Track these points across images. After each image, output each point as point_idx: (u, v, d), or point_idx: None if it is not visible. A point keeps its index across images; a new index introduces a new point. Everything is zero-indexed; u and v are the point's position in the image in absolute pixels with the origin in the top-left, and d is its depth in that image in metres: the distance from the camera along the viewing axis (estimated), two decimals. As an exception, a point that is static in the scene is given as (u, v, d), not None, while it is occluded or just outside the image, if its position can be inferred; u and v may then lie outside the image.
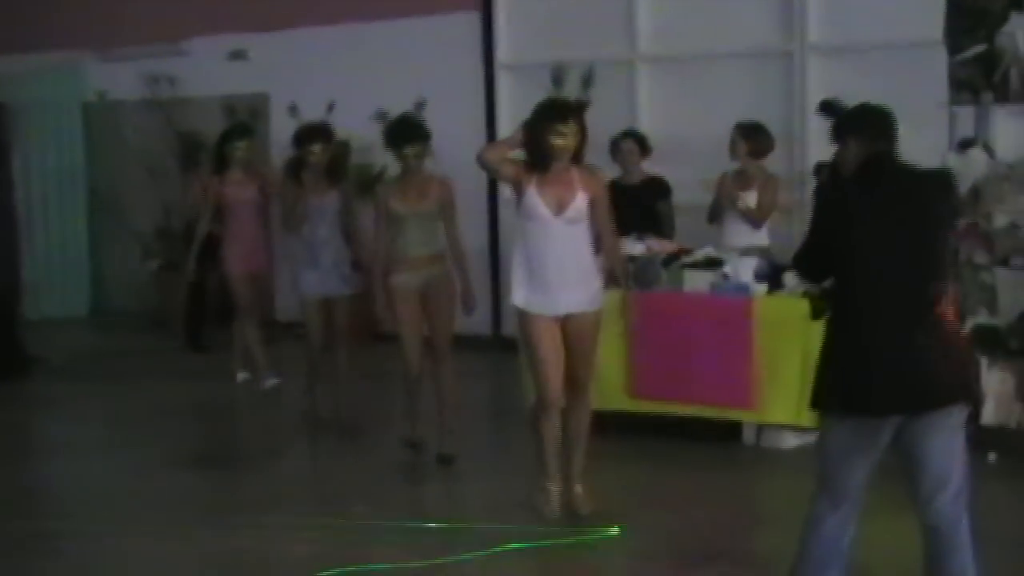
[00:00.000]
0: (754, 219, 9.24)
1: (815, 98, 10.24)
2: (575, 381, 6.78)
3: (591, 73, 8.32)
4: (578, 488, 6.86)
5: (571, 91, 7.17)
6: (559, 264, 6.65)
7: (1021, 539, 6.80)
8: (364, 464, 8.25)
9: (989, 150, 8.11)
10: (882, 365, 4.80)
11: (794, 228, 9.98)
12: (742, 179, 9.30)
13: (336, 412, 9.00)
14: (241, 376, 10.75)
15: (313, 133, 8.83)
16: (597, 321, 6.78)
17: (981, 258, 8.15)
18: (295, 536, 6.99)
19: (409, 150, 7.78)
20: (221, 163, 10.52)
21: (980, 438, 7.93)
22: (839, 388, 5.04)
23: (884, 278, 4.78)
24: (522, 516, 6.77)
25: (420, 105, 8.32)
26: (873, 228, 4.80)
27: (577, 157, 6.75)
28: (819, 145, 10.25)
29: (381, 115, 8.59)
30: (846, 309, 4.97)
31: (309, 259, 8.95)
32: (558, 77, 7.15)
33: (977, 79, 8.01)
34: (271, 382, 10.33)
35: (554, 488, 6.85)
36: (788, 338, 7.97)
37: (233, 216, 10.41)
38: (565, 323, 6.70)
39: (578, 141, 6.69)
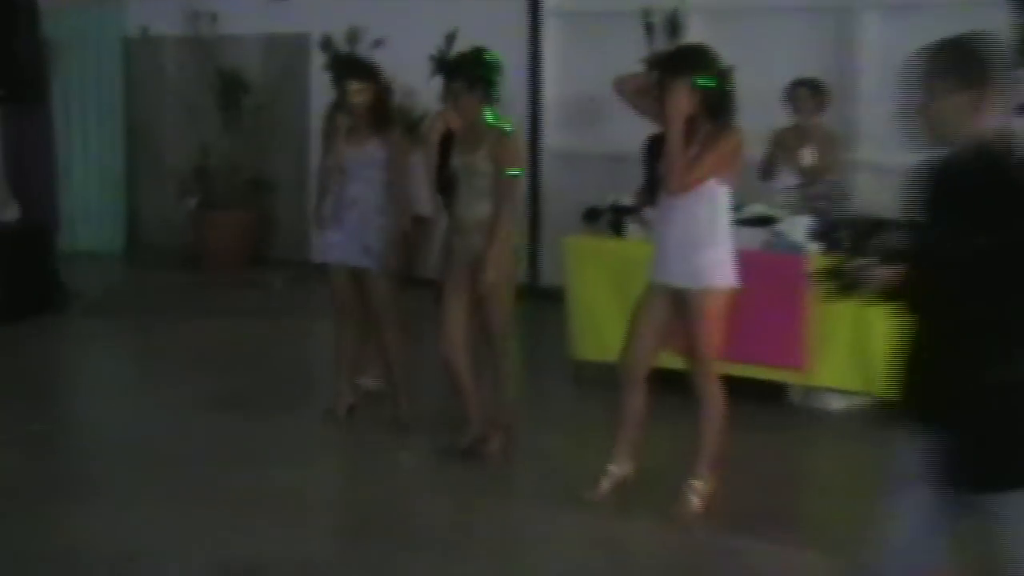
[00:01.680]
0: (813, 176, 9.20)
1: (872, 56, 10.35)
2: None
3: (677, 19, 7.69)
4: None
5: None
6: None
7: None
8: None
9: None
10: None
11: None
12: (800, 135, 9.24)
13: (396, 407, 7.85)
14: None
15: (351, 66, 7.90)
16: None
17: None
18: (319, 475, 7.14)
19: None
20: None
21: None
22: None
23: None
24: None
25: (451, 37, 7.50)
26: None
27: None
28: (871, 103, 10.31)
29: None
30: None
31: (333, 218, 7.75)
32: (649, 24, 6.66)
33: (1041, 41, 7.93)
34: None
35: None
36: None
37: None
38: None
39: None
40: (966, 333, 3.61)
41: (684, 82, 5.98)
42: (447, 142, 7.26)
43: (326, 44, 7.96)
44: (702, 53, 6.17)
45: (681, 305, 6.17)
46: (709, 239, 6.09)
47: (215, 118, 13.90)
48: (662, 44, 6.57)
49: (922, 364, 3.75)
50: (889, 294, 3.95)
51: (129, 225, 15.28)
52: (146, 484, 6.83)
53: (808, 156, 9.20)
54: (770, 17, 10.37)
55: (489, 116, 6.97)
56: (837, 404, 8.26)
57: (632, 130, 10.36)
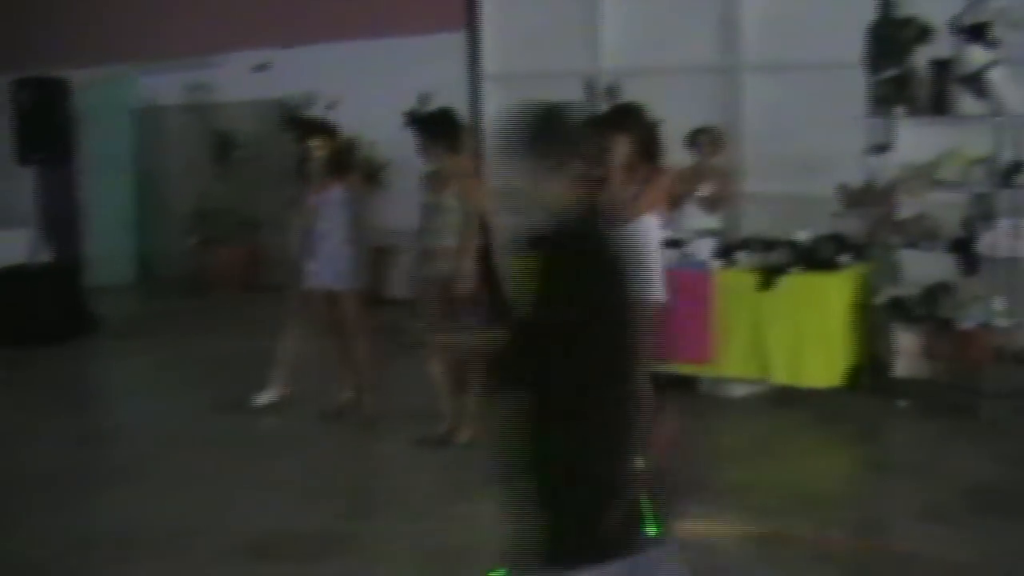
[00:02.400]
0: (712, 206, 9.28)
1: (753, 107, 10.48)
2: None
3: (615, 84, 7.63)
4: None
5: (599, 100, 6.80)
6: None
7: (925, 466, 6.96)
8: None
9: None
10: None
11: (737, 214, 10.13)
12: (700, 173, 9.32)
13: (359, 404, 7.88)
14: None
15: (311, 127, 7.92)
16: None
17: (894, 242, 8.27)
18: (320, 463, 7.11)
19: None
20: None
21: (892, 388, 8.11)
22: None
23: None
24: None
25: (424, 98, 7.54)
26: None
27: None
28: (755, 145, 10.44)
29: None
30: None
31: (308, 251, 7.78)
32: (590, 87, 6.74)
33: (891, 95, 8.07)
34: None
35: None
36: (740, 305, 8.05)
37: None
38: None
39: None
40: (533, 406, 3.09)
41: (621, 135, 6.07)
42: None
43: (283, 107, 7.93)
44: (635, 110, 6.25)
45: None
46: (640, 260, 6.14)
47: (211, 169, 13.87)
48: (600, 103, 6.63)
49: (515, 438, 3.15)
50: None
51: (140, 261, 15.19)
52: (181, 473, 6.87)
53: (707, 189, 9.28)
54: (667, 77, 10.45)
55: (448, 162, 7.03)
56: (739, 391, 8.36)
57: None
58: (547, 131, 3.13)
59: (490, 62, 12.07)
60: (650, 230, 6.18)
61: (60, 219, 11.98)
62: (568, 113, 3.20)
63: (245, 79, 13.44)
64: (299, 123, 7.93)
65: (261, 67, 13.45)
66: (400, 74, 12.11)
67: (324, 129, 7.80)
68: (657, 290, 6.18)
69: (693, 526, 5.72)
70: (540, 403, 3.08)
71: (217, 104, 13.77)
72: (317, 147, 7.63)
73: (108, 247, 14.57)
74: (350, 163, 8.04)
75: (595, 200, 3.23)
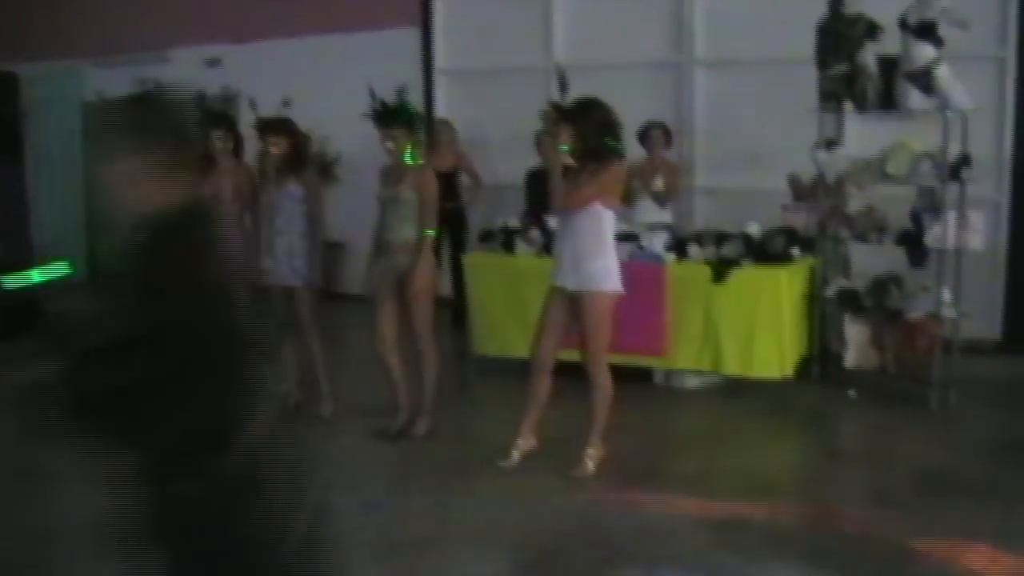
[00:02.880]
0: (663, 199, 9.41)
1: (700, 104, 10.61)
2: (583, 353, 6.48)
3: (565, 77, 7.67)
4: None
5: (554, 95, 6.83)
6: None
7: (875, 452, 7.19)
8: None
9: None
10: None
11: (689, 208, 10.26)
12: (651, 167, 9.44)
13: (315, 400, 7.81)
14: None
15: (270, 125, 7.72)
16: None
17: (844, 234, 8.42)
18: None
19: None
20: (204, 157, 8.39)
21: (843, 378, 8.27)
22: None
23: None
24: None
25: (402, 91, 7.58)
26: None
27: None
28: (705, 140, 10.58)
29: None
30: None
31: (266, 247, 7.68)
32: (563, 81, 6.76)
33: (840, 91, 8.21)
34: None
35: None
36: (693, 298, 8.13)
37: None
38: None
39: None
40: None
41: (568, 126, 6.22)
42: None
43: (252, 105, 7.88)
44: (590, 105, 6.30)
45: (575, 306, 6.32)
46: (596, 251, 6.24)
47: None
48: (556, 96, 6.67)
49: None
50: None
51: (91, 258, 15.09)
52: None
53: (659, 183, 9.41)
54: (618, 72, 10.54)
55: (408, 155, 7.04)
56: (691, 382, 8.46)
57: (513, 164, 10.59)
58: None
59: (443, 58, 12.12)
60: (604, 222, 6.27)
61: (8, 215, 11.88)
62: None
63: (196, 75, 13.38)
64: (260, 121, 7.75)
65: (213, 63, 13.42)
66: (353, 70, 12.11)
67: (283, 126, 7.70)
68: (612, 281, 6.29)
69: (651, 512, 5.90)
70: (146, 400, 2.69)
71: (166, 100, 13.66)
72: (274, 144, 7.57)
73: (58, 244, 14.49)
74: (307, 159, 7.95)
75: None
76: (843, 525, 5.69)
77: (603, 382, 6.40)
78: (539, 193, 9.49)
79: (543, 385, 6.58)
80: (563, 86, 6.62)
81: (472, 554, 5.35)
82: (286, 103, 7.86)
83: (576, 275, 6.29)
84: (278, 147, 7.57)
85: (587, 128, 6.18)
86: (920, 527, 5.58)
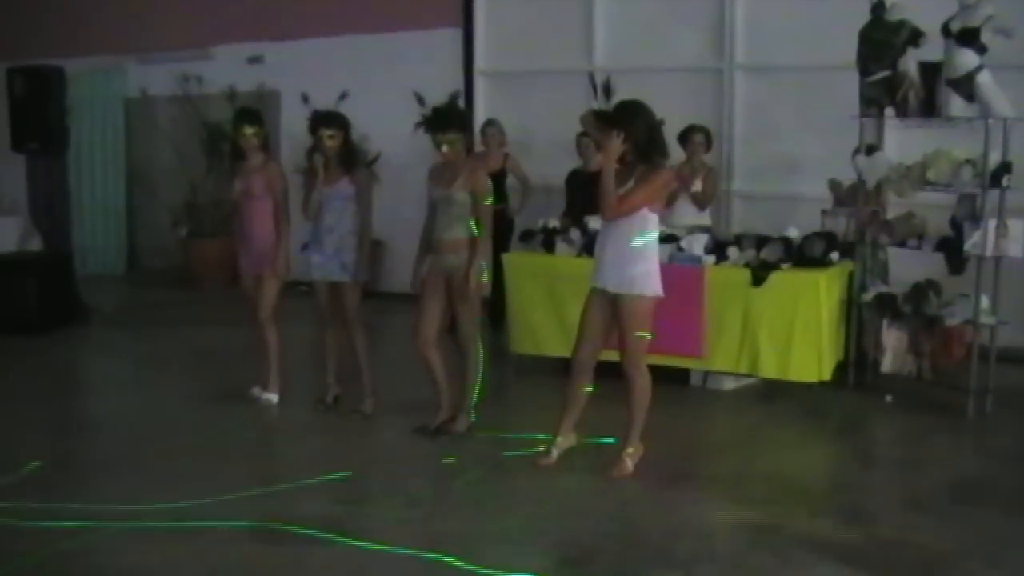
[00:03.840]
0: (701, 202, 9.49)
1: (740, 108, 10.68)
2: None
3: (610, 82, 7.71)
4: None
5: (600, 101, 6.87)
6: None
7: (910, 459, 7.21)
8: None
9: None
10: None
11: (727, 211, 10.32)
12: (691, 170, 9.51)
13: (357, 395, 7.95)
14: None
15: (326, 118, 7.70)
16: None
17: (883, 240, 8.47)
18: (318, 451, 7.18)
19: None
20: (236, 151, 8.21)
21: (879, 384, 8.32)
22: None
23: None
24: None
25: (455, 96, 7.35)
26: None
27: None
28: (744, 145, 10.64)
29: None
30: None
31: (314, 243, 7.81)
32: (607, 86, 6.78)
33: (882, 97, 8.25)
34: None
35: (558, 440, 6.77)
36: (732, 301, 8.20)
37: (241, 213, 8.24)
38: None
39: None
40: None
41: (617, 132, 6.22)
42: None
43: (305, 99, 7.93)
44: (635, 108, 6.35)
45: (616, 308, 6.40)
46: (639, 255, 6.30)
47: (201, 162, 13.95)
48: (602, 101, 6.67)
49: None
50: None
51: (130, 251, 15.32)
52: (179, 461, 6.92)
53: (698, 185, 9.49)
54: (660, 76, 10.62)
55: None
56: (728, 384, 8.53)
57: (553, 166, 10.69)
58: None
59: (484, 59, 12.23)
60: (648, 226, 6.34)
61: (51, 208, 12.04)
62: None
63: (238, 71, 13.55)
64: (315, 114, 7.74)
65: (255, 60, 13.59)
66: (394, 69, 12.29)
67: (339, 121, 7.72)
68: (653, 285, 6.36)
69: (689, 512, 5.97)
70: None
71: (209, 96, 13.84)
72: (330, 137, 7.60)
73: (98, 237, 14.75)
74: (358, 156, 7.99)
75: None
76: (878, 530, 5.74)
77: (642, 383, 6.47)
78: (579, 194, 9.60)
79: (584, 386, 6.66)
80: (607, 92, 6.64)
81: (511, 551, 5.43)
82: (343, 97, 7.86)
83: (617, 278, 6.35)
84: (334, 140, 7.62)
85: (636, 131, 6.22)
86: (953, 534, 5.63)
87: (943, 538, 5.58)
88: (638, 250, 6.31)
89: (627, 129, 6.20)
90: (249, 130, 7.99)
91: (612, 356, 6.59)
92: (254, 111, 8.39)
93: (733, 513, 5.95)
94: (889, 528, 5.76)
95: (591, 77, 7.23)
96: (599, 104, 6.62)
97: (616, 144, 6.21)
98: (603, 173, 6.28)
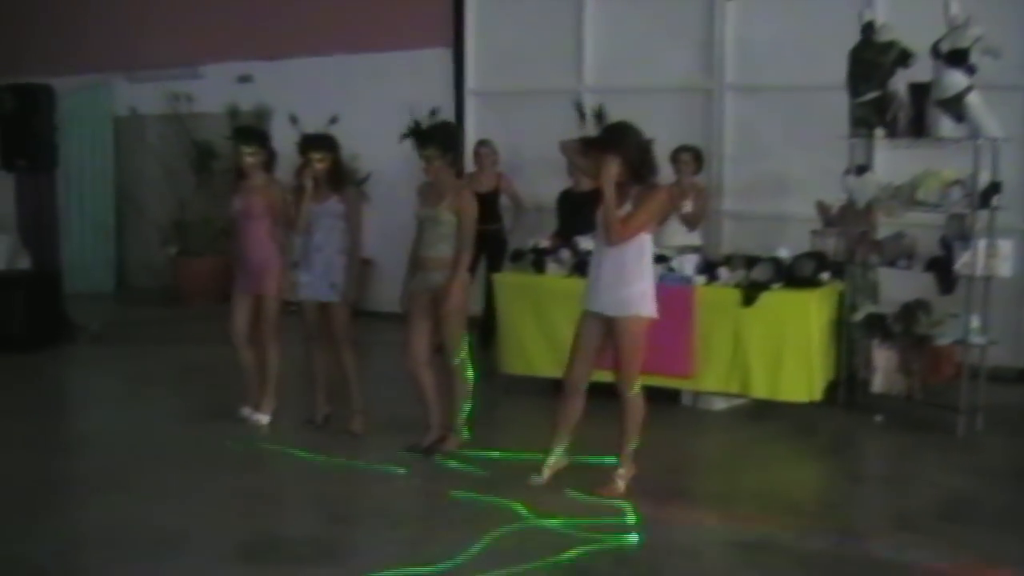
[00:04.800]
0: (691, 223, 9.52)
1: (729, 129, 10.72)
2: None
3: (602, 108, 7.69)
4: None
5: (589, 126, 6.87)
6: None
7: (901, 477, 7.25)
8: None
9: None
10: None
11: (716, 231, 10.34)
12: (680, 190, 9.54)
13: (346, 415, 7.95)
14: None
15: (315, 141, 7.77)
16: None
17: (872, 260, 8.51)
18: (307, 472, 7.16)
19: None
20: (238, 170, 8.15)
21: (869, 403, 8.35)
22: None
23: None
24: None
25: (434, 113, 7.52)
26: None
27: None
28: (733, 165, 10.68)
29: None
30: None
31: (303, 262, 7.83)
32: (580, 110, 6.74)
33: (872, 117, 8.30)
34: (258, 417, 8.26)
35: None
36: (722, 321, 8.21)
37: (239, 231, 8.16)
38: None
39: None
40: None
41: (612, 155, 6.22)
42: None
43: (294, 120, 7.91)
44: (625, 130, 6.37)
45: (610, 329, 6.41)
46: (635, 277, 6.30)
47: (190, 180, 13.98)
48: (591, 127, 6.67)
49: None
50: None
51: (118, 269, 15.31)
52: (165, 480, 6.90)
53: (688, 206, 9.51)
54: (649, 96, 10.67)
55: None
56: (719, 405, 8.54)
57: (543, 186, 10.72)
58: None
59: (474, 79, 12.26)
60: (644, 246, 6.34)
61: (39, 226, 12.02)
62: None
63: (227, 90, 13.57)
64: (305, 137, 7.84)
65: (244, 79, 13.61)
66: (384, 89, 12.32)
67: (329, 143, 7.79)
68: (648, 306, 6.38)
69: (681, 531, 5.98)
70: None
71: (198, 114, 13.86)
72: (319, 160, 7.64)
73: (86, 255, 14.73)
74: (347, 176, 8.01)
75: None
76: (869, 549, 5.76)
77: (636, 403, 6.49)
78: (571, 214, 9.61)
79: (575, 406, 6.66)
80: (600, 118, 6.63)
81: (503, 572, 5.42)
82: (333, 120, 7.94)
83: (613, 299, 6.34)
84: (323, 163, 7.64)
85: (629, 152, 6.24)
86: (944, 553, 5.65)
87: (935, 556, 5.60)
88: (634, 271, 6.31)
89: (620, 151, 6.21)
90: (247, 150, 7.97)
91: (604, 376, 6.59)
92: (256, 131, 8.44)
93: (724, 531, 5.96)
94: (880, 546, 5.78)
95: (577, 103, 7.22)
96: (586, 130, 6.62)
97: (614, 168, 6.21)
98: (605, 199, 6.26)
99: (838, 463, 7.54)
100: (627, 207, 6.27)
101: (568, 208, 9.85)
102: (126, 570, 5.52)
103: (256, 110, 13.20)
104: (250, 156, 7.97)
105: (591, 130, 6.60)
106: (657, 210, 6.36)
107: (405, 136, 7.18)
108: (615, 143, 6.25)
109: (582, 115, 6.78)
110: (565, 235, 9.30)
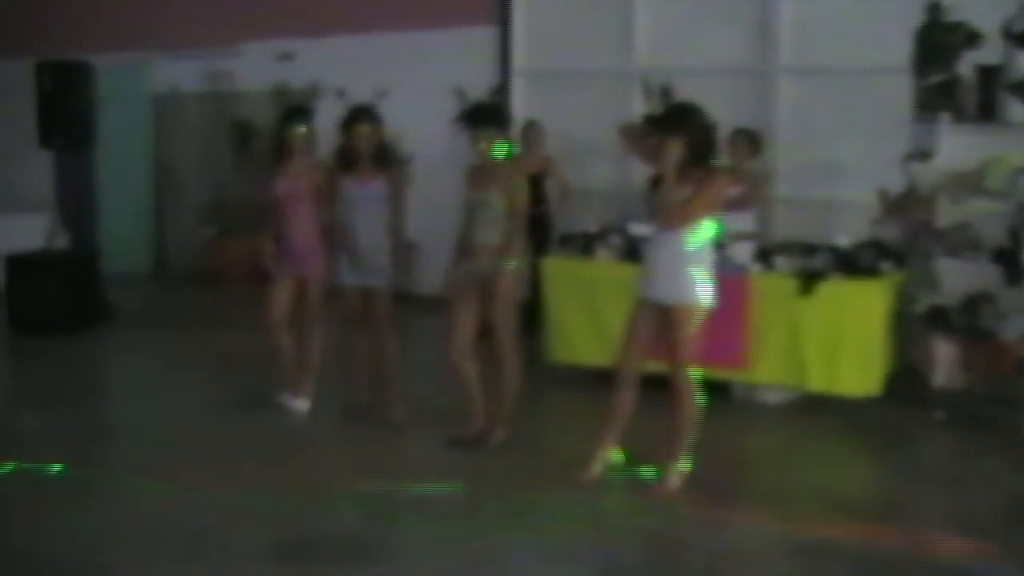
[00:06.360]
0: (743, 207, 9.22)
1: (784, 112, 10.42)
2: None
3: (669, 87, 7.42)
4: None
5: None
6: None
7: (963, 478, 6.94)
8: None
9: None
10: None
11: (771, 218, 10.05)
12: (735, 175, 9.24)
13: (386, 403, 7.72)
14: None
15: (362, 114, 7.44)
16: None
17: (935, 250, 8.21)
18: (345, 463, 6.99)
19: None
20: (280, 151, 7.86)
21: (928, 398, 8.05)
22: None
23: None
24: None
25: (498, 92, 7.18)
26: None
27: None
28: (788, 149, 10.38)
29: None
30: None
31: (346, 245, 7.53)
32: (647, 89, 6.50)
33: (937, 101, 8.01)
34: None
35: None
36: (778, 311, 7.96)
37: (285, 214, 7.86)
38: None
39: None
40: None
41: (676, 137, 5.96)
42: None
43: (341, 94, 7.61)
44: (691, 111, 6.12)
45: (666, 318, 6.15)
46: (693, 264, 6.06)
47: (230, 160, 13.79)
48: (655, 104, 6.43)
49: None
50: None
51: (157, 251, 15.16)
52: (201, 471, 6.72)
53: (734, 191, 9.21)
54: (701, 78, 10.37)
55: (505, 151, 6.86)
56: (772, 397, 8.28)
57: (591, 169, 10.47)
58: None
59: (521, 58, 12.00)
60: (704, 234, 6.09)
61: (77, 205, 11.91)
62: None
63: (268, 69, 13.38)
64: (353, 109, 7.49)
65: (285, 57, 13.39)
66: (428, 68, 12.08)
67: (373, 116, 7.47)
68: (706, 293, 6.12)
69: (739, 532, 5.73)
70: None
71: (238, 93, 13.70)
72: (366, 135, 7.35)
73: (124, 235, 14.53)
74: (393, 155, 7.71)
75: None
76: (934, 552, 5.49)
77: (691, 397, 6.23)
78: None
79: (627, 399, 6.40)
80: (667, 96, 6.38)
81: (551, 571, 5.21)
82: (382, 94, 7.63)
83: (670, 286, 6.09)
84: (371, 137, 7.37)
85: (694, 135, 5.99)
86: (1018, 558, 5.38)
87: (1006, 562, 5.33)
88: (693, 258, 6.07)
89: (685, 133, 5.95)
90: (302, 129, 7.72)
91: (655, 367, 6.34)
92: (307, 109, 8.16)
93: (784, 533, 5.72)
94: (949, 551, 5.51)
95: (644, 81, 6.97)
96: (651, 109, 6.38)
97: (676, 150, 5.95)
98: (665, 181, 6.02)
99: (899, 462, 7.24)
100: (687, 191, 5.99)
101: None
102: (157, 568, 5.34)
103: (309, 87, 12.92)
104: (300, 136, 7.70)
105: (656, 109, 6.30)
106: (718, 195, 6.09)
107: (460, 118, 6.90)
108: (680, 124, 6.01)
109: (649, 93, 6.50)
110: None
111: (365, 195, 7.43)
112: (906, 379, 8.26)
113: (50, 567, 5.37)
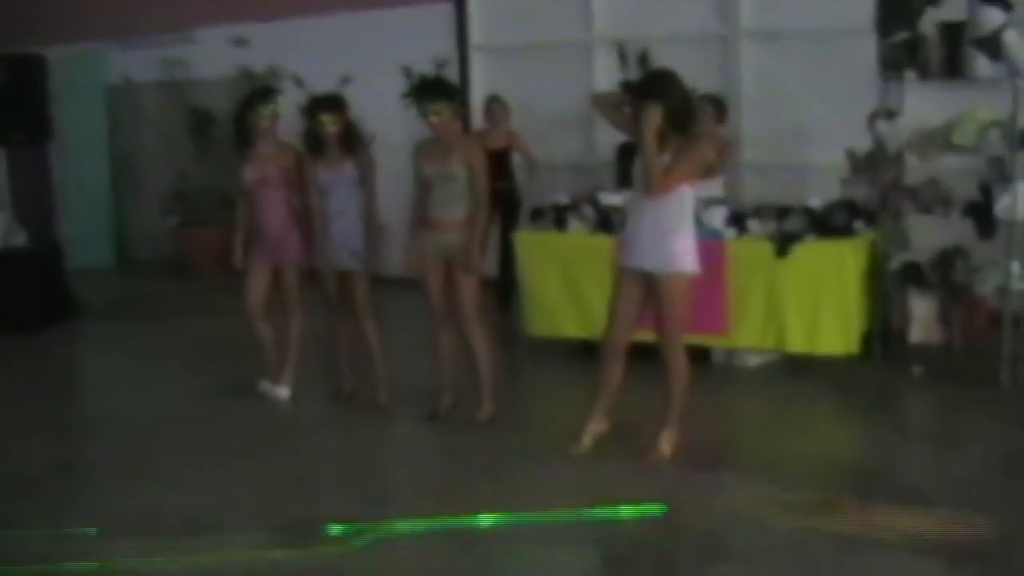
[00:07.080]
0: (711, 174, 9.17)
1: (747, 77, 10.39)
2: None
3: (647, 52, 7.40)
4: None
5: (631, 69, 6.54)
6: None
7: (952, 434, 7.00)
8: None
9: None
10: None
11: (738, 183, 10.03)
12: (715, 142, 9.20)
13: (370, 386, 7.65)
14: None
15: (323, 102, 7.30)
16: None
17: (907, 207, 8.22)
18: (337, 446, 6.96)
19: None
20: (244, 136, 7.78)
21: (906, 354, 8.08)
22: None
23: None
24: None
25: (441, 65, 7.20)
26: None
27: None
28: (753, 114, 10.36)
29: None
30: None
31: (321, 231, 7.44)
32: (623, 55, 6.44)
33: (902, 59, 7.99)
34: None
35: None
36: (755, 275, 7.94)
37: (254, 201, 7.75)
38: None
39: None
40: None
41: (655, 103, 5.90)
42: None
43: (298, 82, 7.57)
44: (669, 77, 6.06)
45: (651, 287, 6.11)
46: (677, 230, 6.00)
47: (189, 148, 13.61)
48: (631, 71, 6.36)
49: None
50: None
51: (118, 243, 14.97)
52: (188, 461, 6.64)
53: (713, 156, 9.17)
54: (662, 45, 10.29)
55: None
56: (752, 360, 8.28)
57: (555, 142, 10.39)
58: None
59: (478, 33, 11.91)
60: (685, 199, 6.05)
61: (34, 200, 11.74)
62: None
63: (224, 55, 13.19)
64: (313, 98, 7.37)
65: (240, 42, 13.21)
66: (385, 47, 11.93)
67: (339, 104, 7.38)
68: (690, 261, 6.08)
69: (737, 499, 5.72)
70: None
71: (195, 81, 13.51)
72: (330, 123, 7.27)
73: (84, 229, 14.34)
74: (360, 139, 7.59)
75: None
76: (936, 511, 5.50)
77: (682, 364, 6.20)
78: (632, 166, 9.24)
79: (616, 370, 6.35)
80: (644, 62, 6.33)
81: (553, 546, 5.18)
82: (345, 81, 7.53)
83: (655, 255, 6.02)
84: (336, 125, 7.28)
85: (673, 102, 5.93)
86: (1016, 513, 5.39)
87: (1004, 516, 5.33)
88: (676, 225, 6.01)
89: (664, 99, 5.90)
90: (270, 107, 7.60)
91: (642, 337, 6.31)
92: (272, 90, 8.01)
93: (781, 498, 5.69)
94: (946, 508, 5.50)
95: (619, 48, 6.91)
96: (627, 76, 6.32)
97: (656, 117, 5.88)
98: (645, 149, 5.94)
99: (883, 420, 7.21)
100: (666, 158, 5.94)
101: (629, 160, 9.49)
102: (157, 562, 5.26)
103: (268, 72, 12.72)
104: (266, 120, 7.60)
105: (632, 76, 6.23)
106: (699, 161, 6.05)
107: (409, 94, 6.82)
108: (658, 91, 5.94)
109: (624, 60, 6.42)
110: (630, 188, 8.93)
111: (337, 181, 7.35)
112: (883, 336, 8.29)
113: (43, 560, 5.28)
